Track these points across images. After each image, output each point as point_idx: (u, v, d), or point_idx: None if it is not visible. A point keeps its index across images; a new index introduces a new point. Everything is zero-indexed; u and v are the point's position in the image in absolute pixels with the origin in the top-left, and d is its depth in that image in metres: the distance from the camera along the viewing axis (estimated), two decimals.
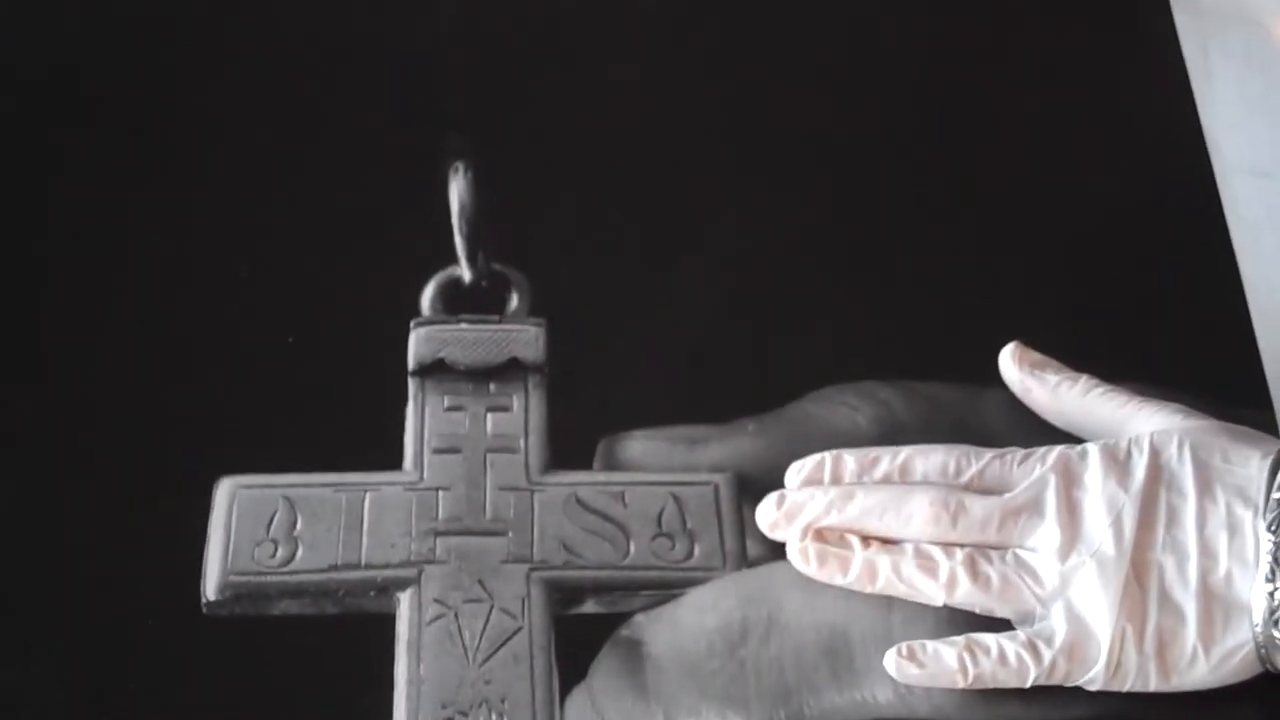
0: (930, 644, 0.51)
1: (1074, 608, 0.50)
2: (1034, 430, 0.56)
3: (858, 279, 0.61)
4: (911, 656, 0.51)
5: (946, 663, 0.50)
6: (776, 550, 0.54)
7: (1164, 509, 0.51)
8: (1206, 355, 0.59)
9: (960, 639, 0.51)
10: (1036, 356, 0.57)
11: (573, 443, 0.56)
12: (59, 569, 0.53)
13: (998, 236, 0.63)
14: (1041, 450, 0.53)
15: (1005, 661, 0.50)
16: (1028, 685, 0.50)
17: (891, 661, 0.51)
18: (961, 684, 0.50)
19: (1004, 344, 0.57)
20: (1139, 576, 0.50)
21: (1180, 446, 0.52)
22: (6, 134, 0.63)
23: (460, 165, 0.62)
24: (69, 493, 0.55)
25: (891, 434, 0.56)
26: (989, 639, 0.51)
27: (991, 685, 0.50)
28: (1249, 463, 0.52)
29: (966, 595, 0.51)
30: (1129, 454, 0.52)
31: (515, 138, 0.64)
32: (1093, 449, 0.53)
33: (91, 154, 0.63)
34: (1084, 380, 0.56)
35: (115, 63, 0.65)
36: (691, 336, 0.59)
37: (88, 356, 0.58)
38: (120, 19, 0.66)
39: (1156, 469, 0.52)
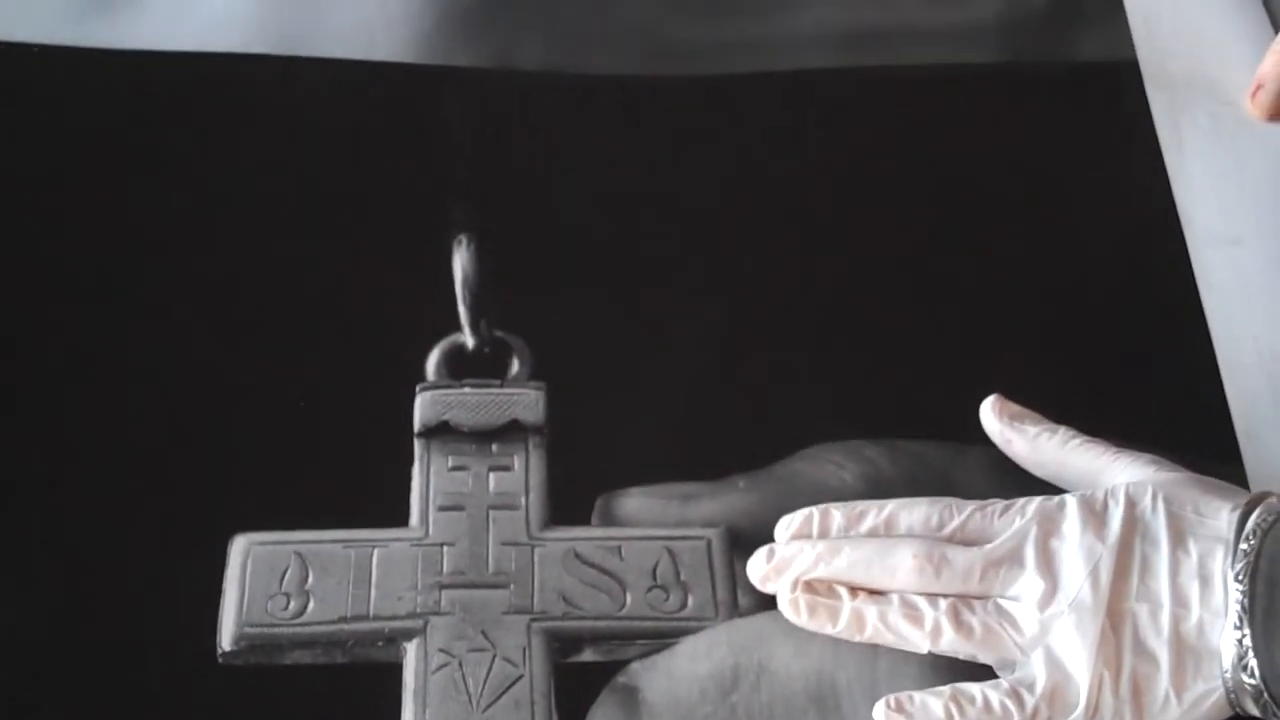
0: (917, 695, 0.51)
1: (1054, 655, 0.51)
2: (1015, 487, 0.56)
3: (845, 342, 0.62)
4: (899, 708, 0.51)
5: (933, 713, 0.51)
6: (767, 601, 0.54)
7: (1139, 559, 0.52)
8: (1180, 412, 0.60)
9: (946, 689, 0.51)
10: (1016, 408, 0.58)
11: (571, 500, 0.57)
12: (81, 621, 0.54)
13: (981, 301, 0.64)
14: (1021, 502, 0.54)
15: (990, 710, 0.51)
16: None
17: (880, 713, 0.51)
18: None
19: None
20: (1115, 625, 0.51)
21: (1154, 499, 0.53)
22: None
23: (464, 237, 0.63)
24: (91, 550, 0.56)
25: (877, 490, 0.57)
26: (974, 689, 0.51)
27: None
28: (1219, 514, 0.52)
29: (950, 643, 0.52)
30: (1105, 505, 0.53)
31: (516, 211, 0.65)
32: (1070, 501, 0.54)
33: (105, 216, 0.64)
34: (1062, 431, 0.57)
35: (128, 138, 0.66)
36: (684, 398, 0.60)
37: (108, 420, 0.59)
38: (130, 93, 0.68)
39: (1132, 521, 0.53)
